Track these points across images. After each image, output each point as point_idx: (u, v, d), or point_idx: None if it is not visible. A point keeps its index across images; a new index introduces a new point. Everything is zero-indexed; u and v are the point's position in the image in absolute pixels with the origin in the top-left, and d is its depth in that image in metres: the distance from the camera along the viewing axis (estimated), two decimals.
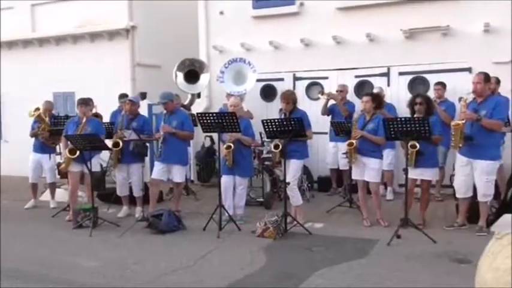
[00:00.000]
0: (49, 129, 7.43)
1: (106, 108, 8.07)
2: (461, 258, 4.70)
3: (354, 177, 6.21)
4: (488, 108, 5.33)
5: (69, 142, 6.26)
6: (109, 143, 6.66)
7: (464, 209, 5.76)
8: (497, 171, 6.63)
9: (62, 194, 7.89)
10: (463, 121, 5.37)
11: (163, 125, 6.44)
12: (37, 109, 7.31)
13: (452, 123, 5.56)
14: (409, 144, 5.49)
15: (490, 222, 5.65)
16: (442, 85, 7.26)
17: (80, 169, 6.59)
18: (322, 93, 7.95)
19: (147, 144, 6.93)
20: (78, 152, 6.21)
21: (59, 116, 8.05)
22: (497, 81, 6.65)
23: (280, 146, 5.89)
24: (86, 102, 6.70)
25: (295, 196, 6.14)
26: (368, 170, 5.96)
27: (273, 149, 6.17)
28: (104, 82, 10.01)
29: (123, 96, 8.19)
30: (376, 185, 6.07)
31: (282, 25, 8.79)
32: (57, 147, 7.63)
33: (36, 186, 7.77)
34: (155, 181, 6.61)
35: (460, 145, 5.43)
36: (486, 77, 5.44)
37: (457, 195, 5.76)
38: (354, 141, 5.97)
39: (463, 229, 5.68)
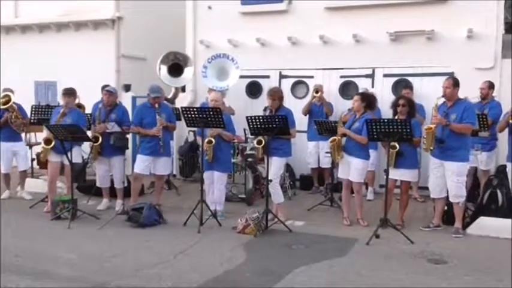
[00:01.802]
0: (28, 120, 7.31)
1: (89, 99, 7.96)
2: (438, 259, 4.78)
3: (339, 175, 6.24)
4: (458, 112, 5.53)
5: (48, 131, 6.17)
6: (90, 134, 6.58)
7: (440, 209, 5.88)
8: (483, 176, 6.78)
9: (41, 185, 7.77)
10: (434, 125, 5.52)
11: (160, 119, 6.37)
12: (6, 96, 7.11)
13: (425, 127, 5.72)
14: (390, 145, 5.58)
15: (466, 225, 5.79)
16: (410, 89, 7.46)
17: (59, 159, 6.50)
18: (317, 91, 7.89)
19: (128, 137, 6.85)
20: (53, 142, 6.14)
21: (40, 105, 7.91)
22: (491, 86, 6.85)
23: (263, 142, 5.90)
24: (70, 93, 6.59)
25: (276, 193, 6.16)
26: (352, 170, 6.02)
27: (256, 145, 6.17)
28: (87, 72, 9.87)
29: (106, 87, 8.08)
30: (359, 185, 6.13)
31: (270, 22, 8.78)
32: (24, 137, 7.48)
33: (9, 176, 7.58)
34: (138, 175, 6.56)
35: (431, 148, 5.59)
36: (455, 82, 5.67)
37: (431, 196, 5.91)
38: (336, 138, 6.00)
39: (439, 230, 5.79)
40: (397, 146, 5.61)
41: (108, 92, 6.76)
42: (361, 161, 6.03)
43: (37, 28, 10.97)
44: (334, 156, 6.10)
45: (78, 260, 4.72)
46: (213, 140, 6.06)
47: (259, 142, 5.99)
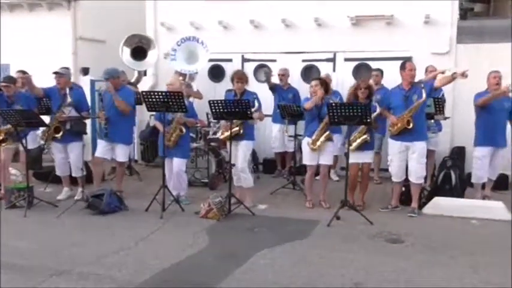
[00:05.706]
0: None
1: (43, 83, 7.65)
2: (395, 239, 4.95)
3: (308, 162, 6.18)
4: (418, 92, 5.65)
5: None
6: (46, 119, 6.34)
7: (398, 191, 6.06)
8: (428, 156, 7.02)
9: None
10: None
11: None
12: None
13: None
14: (361, 138, 5.80)
15: (422, 205, 6.00)
16: (379, 72, 7.56)
17: (14, 145, 6.25)
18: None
19: (85, 121, 6.64)
20: (3, 135, 5.92)
21: None
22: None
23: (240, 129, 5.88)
24: (11, 82, 6.36)
25: (247, 178, 6.13)
26: (326, 154, 6.10)
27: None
28: (42, 55, 9.49)
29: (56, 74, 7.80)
30: (329, 167, 6.20)
31: (232, 5, 8.67)
32: None
33: None
34: (98, 159, 6.41)
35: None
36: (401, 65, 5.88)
37: (394, 180, 6.02)
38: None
39: (397, 211, 5.98)
40: (368, 138, 5.81)
41: (58, 73, 6.44)
42: (332, 143, 6.18)
43: None
44: (321, 146, 6.03)
45: (35, 249, 4.59)
46: (184, 130, 5.99)
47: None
